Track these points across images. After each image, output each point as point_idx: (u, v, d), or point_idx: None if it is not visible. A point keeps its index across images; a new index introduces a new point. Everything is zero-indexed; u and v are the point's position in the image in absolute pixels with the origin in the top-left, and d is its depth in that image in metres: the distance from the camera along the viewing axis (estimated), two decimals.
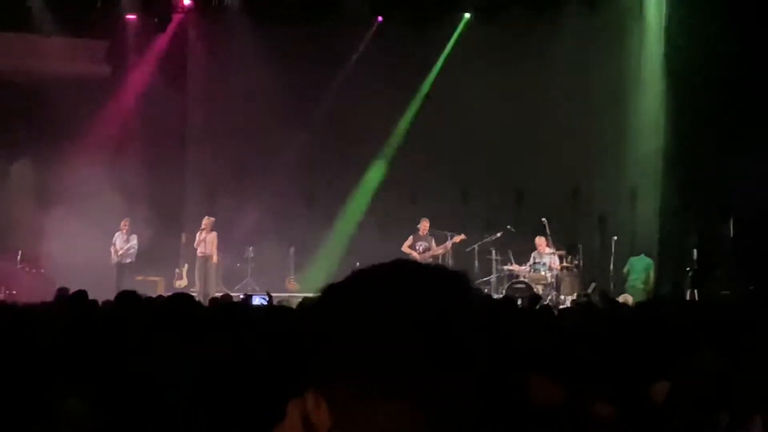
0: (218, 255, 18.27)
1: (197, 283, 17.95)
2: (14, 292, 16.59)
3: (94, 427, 3.20)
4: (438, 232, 17.62)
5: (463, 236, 17.41)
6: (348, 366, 1.47)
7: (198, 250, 18.06)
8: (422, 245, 17.50)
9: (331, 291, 1.58)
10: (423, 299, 1.50)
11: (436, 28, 19.59)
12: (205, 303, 9.17)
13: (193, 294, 16.20)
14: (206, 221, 18.11)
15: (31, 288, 16.65)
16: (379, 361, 1.45)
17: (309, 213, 19.36)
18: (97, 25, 19.09)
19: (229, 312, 5.56)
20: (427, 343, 1.45)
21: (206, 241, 18.02)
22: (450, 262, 17.79)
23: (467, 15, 19.92)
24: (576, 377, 4.56)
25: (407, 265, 1.59)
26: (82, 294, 7.17)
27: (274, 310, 7.90)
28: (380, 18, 20.01)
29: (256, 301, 11.09)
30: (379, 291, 1.51)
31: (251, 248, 19.13)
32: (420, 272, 1.56)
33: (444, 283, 1.54)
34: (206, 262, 18.01)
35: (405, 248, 17.53)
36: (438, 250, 17.44)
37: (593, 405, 3.95)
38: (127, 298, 5.49)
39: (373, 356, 1.45)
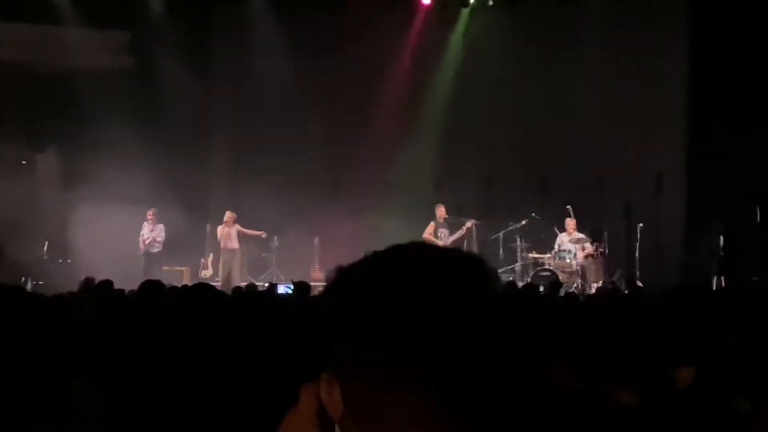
0: (241, 246, 18.33)
1: (221, 274, 18.05)
2: (41, 282, 16.72)
3: (106, 414, 3.21)
4: (455, 219, 17.60)
5: (474, 220, 17.41)
6: (361, 350, 1.44)
7: (221, 244, 18.13)
8: (443, 232, 17.50)
9: (345, 273, 1.55)
10: (440, 283, 1.46)
11: (461, 17, 19.47)
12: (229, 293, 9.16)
13: (216, 284, 16.29)
14: (228, 216, 18.16)
15: (58, 278, 16.77)
16: (392, 346, 1.42)
17: (333, 202, 19.35)
18: (120, 16, 19.12)
19: (250, 300, 5.56)
20: (443, 328, 1.42)
21: (230, 236, 18.10)
22: (474, 248, 17.78)
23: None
24: (600, 363, 4.53)
25: (424, 247, 1.56)
26: (107, 283, 7.19)
27: (295, 293, 7.92)
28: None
29: (281, 289, 11.10)
30: (395, 273, 1.48)
31: (276, 238, 19.18)
32: (438, 255, 1.53)
33: (462, 268, 1.51)
34: (231, 255, 18.08)
35: (426, 236, 17.54)
36: (456, 235, 17.43)
37: (616, 393, 3.91)
38: (150, 288, 5.50)
39: (387, 341, 1.42)
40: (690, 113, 17.91)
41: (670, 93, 18.35)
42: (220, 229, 18.23)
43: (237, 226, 18.29)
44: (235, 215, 18.25)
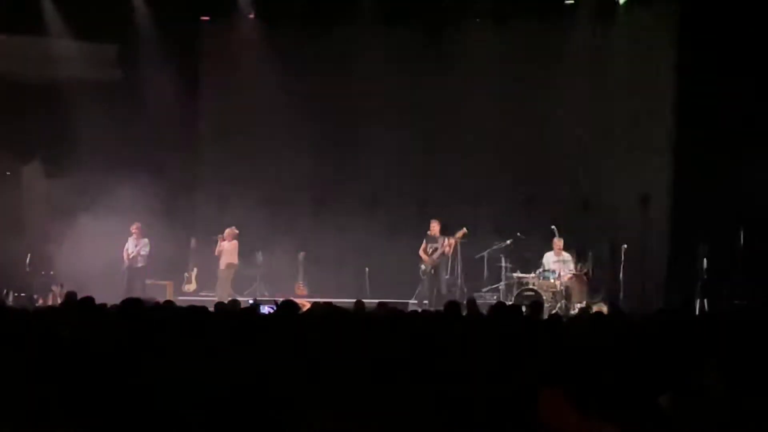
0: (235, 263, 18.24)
1: (217, 291, 17.89)
2: (23, 294, 16.64)
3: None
4: (443, 237, 17.56)
5: (464, 230, 17.34)
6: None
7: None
8: (432, 247, 17.45)
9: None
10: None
11: (448, 35, 19.49)
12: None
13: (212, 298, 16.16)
14: (227, 231, 18.12)
15: (41, 291, 16.71)
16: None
17: (319, 218, 19.31)
18: (109, 29, 19.07)
19: (233, 323, 5.53)
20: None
21: (224, 250, 18.07)
22: (459, 267, 17.77)
23: None
24: (583, 389, 4.52)
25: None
26: (88, 300, 7.16)
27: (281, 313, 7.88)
28: None
29: (264, 309, 11.04)
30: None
31: (260, 253, 19.12)
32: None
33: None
34: (224, 270, 18.04)
35: (421, 252, 17.48)
36: (445, 248, 17.37)
37: (600, 428, 3.91)
38: (131, 307, 5.46)
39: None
40: (676, 135, 17.95)
41: (656, 114, 18.39)
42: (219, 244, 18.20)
43: (235, 243, 18.21)
44: (235, 231, 18.20)
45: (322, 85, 19.41)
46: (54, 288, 16.78)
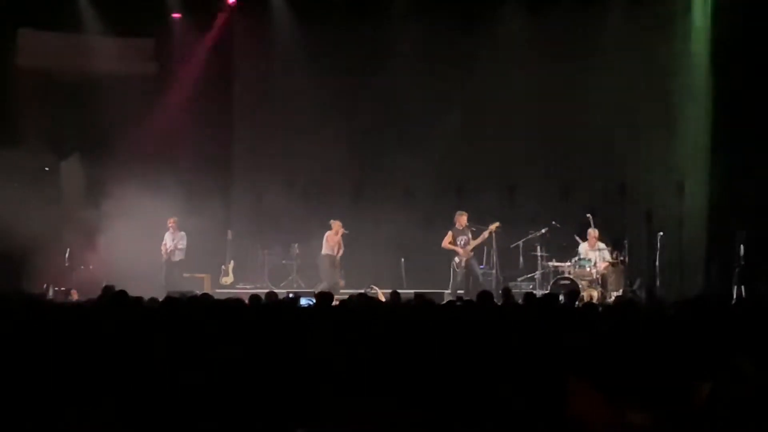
0: (333, 250, 18.08)
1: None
2: (62, 288, 16.81)
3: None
4: (475, 227, 17.49)
5: (497, 224, 17.28)
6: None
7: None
8: (463, 239, 17.39)
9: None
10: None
11: (482, 23, 19.43)
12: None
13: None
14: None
15: (80, 285, 16.86)
16: None
17: (354, 210, 19.34)
18: (143, 24, 19.24)
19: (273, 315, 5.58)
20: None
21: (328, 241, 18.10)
22: (494, 258, 17.71)
23: None
24: (616, 377, 4.53)
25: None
26: (122, 294, 7.25)
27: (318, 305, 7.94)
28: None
29: (303, 302, 11.07)
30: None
31: (297, 245, 19.20)
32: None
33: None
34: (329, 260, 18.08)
35: (446, 244, 17.42)
36: (477, 242, 17.34)
37: (627, 415, 3.91)
38: (172, 305, 5.51)
39: None
40: (712, 121, 17.81)
41: (693, 101, 18.24)
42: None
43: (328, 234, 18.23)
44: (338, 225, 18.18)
45: (356, 75, 19.49)
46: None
